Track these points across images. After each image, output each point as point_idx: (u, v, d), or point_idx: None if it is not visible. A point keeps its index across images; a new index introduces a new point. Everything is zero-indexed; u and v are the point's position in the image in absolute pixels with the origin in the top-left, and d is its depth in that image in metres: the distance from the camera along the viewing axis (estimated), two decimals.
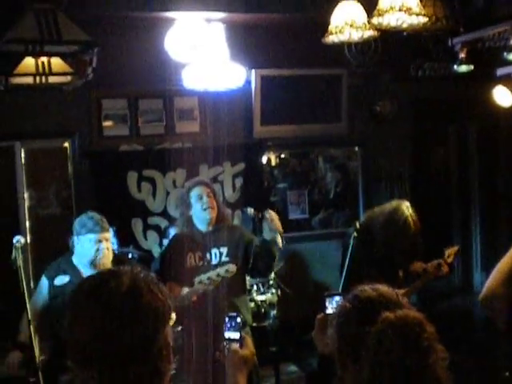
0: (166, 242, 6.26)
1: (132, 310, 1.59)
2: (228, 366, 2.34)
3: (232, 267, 4.36)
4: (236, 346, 2.34)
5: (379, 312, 1.90)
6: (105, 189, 6.50)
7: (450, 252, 5.15)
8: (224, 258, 4.70)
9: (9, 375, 4.22)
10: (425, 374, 1.79)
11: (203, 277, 4.40)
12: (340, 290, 4.64)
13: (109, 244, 4.36)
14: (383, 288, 2.06)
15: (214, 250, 4.72)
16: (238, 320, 2.38)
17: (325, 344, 2.39)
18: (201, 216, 4.74)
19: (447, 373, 1.84)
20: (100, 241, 4.29)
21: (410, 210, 4.94)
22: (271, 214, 4.52)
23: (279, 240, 4.53)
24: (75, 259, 4.40)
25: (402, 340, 1.80)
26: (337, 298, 2.38)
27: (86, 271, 4.31)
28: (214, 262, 4.70)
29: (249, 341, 2.42)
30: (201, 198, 4.73)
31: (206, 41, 5.35)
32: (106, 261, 4.33)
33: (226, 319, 2.41)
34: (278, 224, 4.51)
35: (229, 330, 2.38)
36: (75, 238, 4.36)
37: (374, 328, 1.85)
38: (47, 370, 3.95)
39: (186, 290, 4.54)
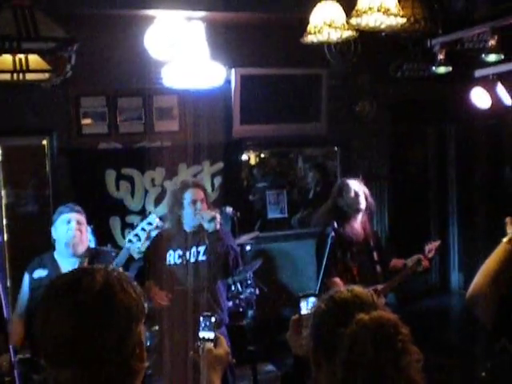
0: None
1: (105, 308, 1.57)
2: (203, 366, 2.34)
3: (153, 218, 4.39)
4: (210, 345, 2.34)
5: (354, 313, 1.89)
6: (83, 187, 6.46)
7: (431, 247, 5.18)
8: (201, 257, 4.74)
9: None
10: (399, 375, 1.79)
11: (130, 236, 4.43)
12: (317, 289, 4.68)
13: (82, 228, 4.36)
14: (358, 289, 2.06)
15: (193, 249, 4.75)
16: (213, 319, 2.38)
17: (299, 345, 2.39)
18: (191, 220, 4.74)
19: (421, 374, 1.85)
20: (70, 221, 4.30)
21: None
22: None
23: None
24: (56, 253, 4.40)
25: (376, 341, 1.79)
26: (311, 299, 2.37)
27: (65, 263, 4.31)
28: (192, 260, 4.73)
29: (223, 340, 2.41)
30: (194, 203, 4.72)
31: (186, 39, 5.35)
32: (80, 243, 4.32)
33: (201, 319, 2.41)
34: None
35: (203, 329, 2.38)
36: (53, 227, 4.37)
37: (348, 329, 1.85)
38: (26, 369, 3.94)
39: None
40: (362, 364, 1.78)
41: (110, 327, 1.57)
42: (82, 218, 4.43)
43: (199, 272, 4.72)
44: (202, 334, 2.37)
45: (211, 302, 4.72)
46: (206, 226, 4.61)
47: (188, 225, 4.79)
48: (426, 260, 5.12)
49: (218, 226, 4.57)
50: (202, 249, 4.75)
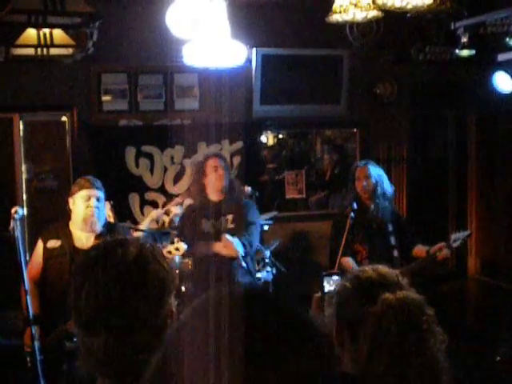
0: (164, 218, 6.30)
1: (139, 278, 1.59)
2: None
3: (182, 245, 4.53)
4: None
5: (379, 293, 1.90)
6: (103, 163, 6.50)
7: (456, 237, 5.08)
8: (230, 225, 4.97)
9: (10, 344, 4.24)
10: (423, 355, 1.80)
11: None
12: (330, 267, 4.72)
13: (100, 205, 4.36)
14: (383, 269, 2.06)
15: (222, 218, 4.97)
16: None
17: (322, 323, 2.39)
18: (214, 184, 4.98)
19: (445, 355, 1.85)
20: (90, 198, 4.30)
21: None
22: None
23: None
24: (71, 224, 4.41)
25: (401, 321, 1.80)
26: (334, 278, 2.37)
27: (78, 238, 4.32)
28: (222, 228, 4.95)
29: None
30: (216, 169, 4.97)
31: (208, 18, 5.32)
32: (97, 221, 4.33)
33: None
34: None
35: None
36: (70, 199, 4.38)
37: (373, 309, 1.85)
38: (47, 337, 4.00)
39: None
40: (386, 343, 1.79)
41: (144, 297, 1.59)
42: (102, 195, 4.43)
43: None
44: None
45: (240, 266, 4.90)
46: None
47: (212, 192, 5.01)
48: (449, 249, 5.03)
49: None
50: (229, 217, 4.99)
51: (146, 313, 1.59)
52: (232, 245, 4.75)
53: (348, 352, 1.96)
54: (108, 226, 4.53)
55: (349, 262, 4.95)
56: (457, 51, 5.94)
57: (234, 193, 5.14)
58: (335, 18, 4.27)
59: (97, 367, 1.61)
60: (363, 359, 1.84)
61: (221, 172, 4.97)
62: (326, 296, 2.33)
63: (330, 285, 2.35)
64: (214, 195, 5.03)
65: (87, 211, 4.29)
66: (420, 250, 5.19)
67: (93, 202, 4.31)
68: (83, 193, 4.33)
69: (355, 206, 4.95)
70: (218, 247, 4.82)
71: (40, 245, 4.43)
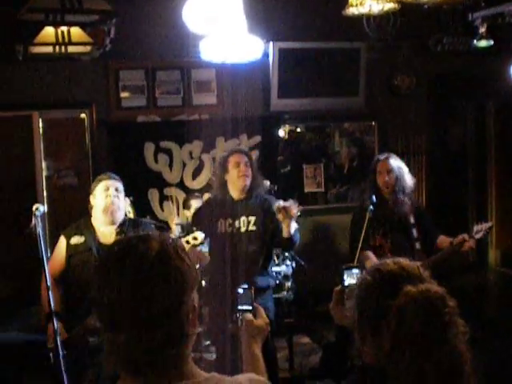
0: (185, 212, 6.32)
1: (161, 273, 1.60)
2: (243, 336, 2.36)
3: (200, 235, 4.44)
4: (250, 316, 2.35)
5: (401, 286, 1.90)
6: (122, 159, 6.54)
7: (480, 228, 5.05)
8: (251, 227, 4.82)
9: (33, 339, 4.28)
10: (446, 348, 1.80)
11: None
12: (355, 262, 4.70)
13: (119, 195, 4.41)
14: (405, 261, 2.05)
15: (243, 218, 4.82)
16: (251, 292, 2.38)
17: (342, 316, 2.40)
18: (236, 182, 4.84)
19: (467, 347, 1.85)
20: (108, 188, 4.36)
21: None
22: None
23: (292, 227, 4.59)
24: (93, 220, 4.46)
25: (424, 314, 1.80)
26: (355, 271, 2.36)
27: (103, 230, 4.37)
28: (242, 229, 4.82)
29: (262, 311, 2.42)
30: (238, 165, 4.82)
31: (224, 12, 5.32)
32: (117, 210, 4.37)
33: (239, 291, 2.41)
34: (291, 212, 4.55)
35: (242, 302, 2.38)
36: (91, 196, 4.43)
37: (395, 302, 1.86)
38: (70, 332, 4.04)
39: None
40: (409, 336, 1.79)
41: (167, 292, 1.60)
42: (120, 186, 4.48)
43: (249, 241, 4.81)
44: (240, 307, 2.37)
45: (258, 269, 4.82)
46: (280, 217, 4.54)
47: (234, 190, 4.86)
48: (472, 240, 5.00)
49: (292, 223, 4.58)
50: (252, 219, 4.82)
51: (169, 308, 1.60)
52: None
53: (370, 345, 1.97)
54: (129, 221, 4.58)
55: (369, 255, 4.95)
56: (475, 42, 5.90)
57: (259, 191, 4.94)
58: (351, 10, 4.27)
59: (121, 363, 1.62)
60: (385, 352, 1.85)
61: (243, 169, 4.80)
62: (346, 289, 2.32)
63: (350, 278, 2.35)
64: (235, 193, 4.87)
65: (107, 200, 4.35)
66: (443, 240, 5.17)
67: (111, 191, 4.38)
68: (101, 184, 4.40)
69: (374, 199, 4.95)
70: None
71: (63, 241, 4.47)
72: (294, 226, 4.61)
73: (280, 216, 4.50)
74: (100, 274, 1.64)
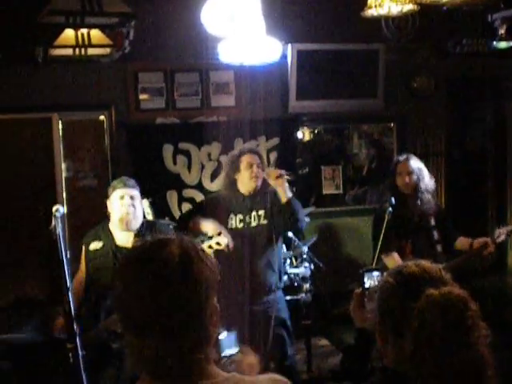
0: None
1: (184, 278, 1.60)
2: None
3: (223, 240, 4.47)
4: (238, 357, 2.29)
5: (423, 288, 1.89)
6: (141, 161, 6.57)
7: (502, 231, 5.01)
8: (262, 221, 4.88)
9: (51, 339, 4.31)
10: (468, 351, 1.79)
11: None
12: (374, 264, 4.69)
13: (135, 202, 4.41)
14: (426, 264, 2.04)
15: (253, 213, 4.88)
16: (233, 337, 2.32)
17: (363, 318, 2.39)
18: (247, 183, 4.88)
19: (490, 350, 1.84)
20: (123, 197, 4.36)
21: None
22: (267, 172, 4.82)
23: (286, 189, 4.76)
24: (110, 224, 4.48)
25: (446, 318, 1.79)
26: (375, 273, 2.35)
27: (119, 236, 4.39)
28: (254, 224, 4.88)
29: (248, 349, 2.37)
30: (251, 166, 4.85)
31: (243, 14, 5.33)
32: (133, 219, 4.38)
33: (220, 338, 2.35)
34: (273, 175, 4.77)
35: (225, 347, 2.31)
36: (108, 201, 4.45)
37: (417, 304, 1.85)
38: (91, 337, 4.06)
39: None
40: (430, 339, 1.79)
41: (190, 296, 1.60)
42: (136, 193, 4.47)
43: (260, 236, 4.87)
44: (225, 353, 2.29)
45: (269, 264, 4.88)
46: (272, 183, 4.79)
47: (244, 189, 4.90)
48: (493, 244, 4.97)
49: (285, 184, 4.76)
50: (262, 212, 4.89)
51: (193, 311, 1.60)
52: None
53: (391, 347, 1.97)
54: (147, 223, 4.59)
55: (394, 256, 4.92)
56: (494, 43, 5.87)
57: (267, 187, 4.97)
58: (370, 12, 4.26)
59: (144, 366, 1.63)
60: (407, 354, 1.84)
61: (255, 170, 4.84)
62: (366, 292, 2.30)
63: (370, 280, 2.33)
64: (244, 191, 4.92)
65: (122, 210, 4.36)
66: (463, 242, 5.14)
67: (126, 200, 4.38)
68: (117, 193, 4.40)
69: (393, 200, 4.93)
70: None
71: (83, 249, 4.52)
72: (287, 190, 4.77)
73: (270, 180, 4.74)
74: (122, 280, 1.64)
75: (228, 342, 2.25)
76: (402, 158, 5.31)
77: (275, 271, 4.95)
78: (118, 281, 1.65)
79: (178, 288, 1.59)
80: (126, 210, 4.36)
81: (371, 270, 2.33)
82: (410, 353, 1.83)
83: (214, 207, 4.92)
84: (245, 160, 4.88)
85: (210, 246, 4.47)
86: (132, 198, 4.41)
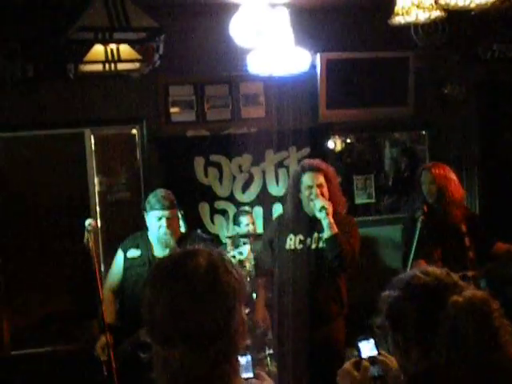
0: (235, 228, 6.33)
1: (211, 288, 1.61)
2: None
3: (245, 249, 4.43)
4: (254, 381, 2.24)
5: (444, 296, 1.89)
6: (172, 174, 6.60)
7: None
8: (321, 244, 4.60)
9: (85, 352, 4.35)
10: (499, 351, 1.78)
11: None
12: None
13: (171, 222, 4.42)
14: (434, 270, 2.02)
15: (315, 235, 4.62)
16: (249, 359, 2.28)
17: None
18: (307, 204, 4.64)
19: None
20: (160, 218, 4.38)
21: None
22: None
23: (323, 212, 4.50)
24: (150, 235, 4.51)
25: (476, 322, 1.79)
26: (371, 340, 2.22)
27: (157, 248, 4.43)
28: (313, 246, 4.64)
29: (264, 375, 2.32)
30: (310, 187, 4.59)
31: (271, 26, 5.35)
32: (171, 238, 4.40)
33: (240, 360, 2.29)
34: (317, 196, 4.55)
35: (244, 371, 2.26)
36: (145, 214, 4.48)
37: (444, 312, 1.84)
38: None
39: None
40: (464, 344, 1.77)
41: (218, 308, 1.61)
42: (173, 212, 4.47)
43: (320, 259, 4.60)
44: (243, 376, 2.24)
45: (330, 292, 4.66)
46: (317, 214, 4.51)
47: (307, 209, 4.67)
48: None
49: (328, 219, 4.45)
50: (323, 235, 4.57)
51: (221, 323, 1.61)
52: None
53: (417, 361, 1.95)
54: (183, 236, 4.61)
55: (420, 263, 4.86)
56: None
57: (340, 209, 4.72)
58: (398, 19, 4.24)
59: (173, 379, 1.63)
60: (440, 363, 1.82)
61: (314, 190, 4.55)
62: (363, 361, 2.17)
63: (367, 349, 2.19)
64: (309, 210, 4.65)
65: (160, 231, 4.38)
66: (502, 247, 5.09)
67: (164, 222, 4.39)
68: (154, 214, 4.41)
69: (425, 208, 4.89)
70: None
71: (120, 254, 4.56)
72: (333, 226, 4.48)
73: (316, 210, 4.48)
74: (150, 291, 1.66)
75: (245, 366, 2.22)
76: (426, 166, 5.29)
77: (336, 299, 4.70)
78: (147, 290, 1.67)
79: (204, 298, 1.60)
80: (164, 230, 4.39)
81: (366, 338, 2.21)
82: (445, 360, 1.81)
83: (278, 228, 4.76)
84: (304, 180, 4.64)
85: (234, 256, 4.46)
86: (169, 218, 4.42)
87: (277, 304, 4.73)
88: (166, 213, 4.41)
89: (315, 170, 4.69)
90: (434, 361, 1.85)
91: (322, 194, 4.58)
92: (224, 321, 1.62)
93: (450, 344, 1.80)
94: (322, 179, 4.64)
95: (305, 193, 4.61)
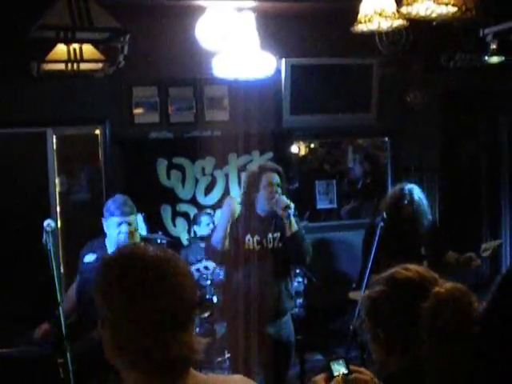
0: (195, 228, 6.34)
1: (169, 276, 1.63)
2: None
3: (211, 264, 4.47)
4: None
5: (426, 288, 1.94)
6: (135, 175, 6.57)
7: (487, 247, 5.05)
8: (277, 244, 4.77)
9: (38, 353, 4.31)
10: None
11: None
12: (360, 279, 4.69)
13: (132, 228, 4.40)
14: (414, 267, 2.10)
15: (270, 235, 4.76)
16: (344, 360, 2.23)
17: None
18: (264, 203, 4.74)
19: None
20: (120, 224, 4.35)
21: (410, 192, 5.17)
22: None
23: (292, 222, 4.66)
24: (107, 241, 4.48)
25: (458, 311, 1.84)
26: (341, 361, 2.21)
27: None
28: (270, 246, 4.77)
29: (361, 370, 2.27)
30: (271, 185, 4.71)
31: (237, 30, 5.36)
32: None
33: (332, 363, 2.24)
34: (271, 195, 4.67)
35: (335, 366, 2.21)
36: (103, 220, 4.45)
37: (426, 304, 1.88)
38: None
39: None
40: (447, 334, 1.81)
41: (189, 292, 1.65)
42: (133, 218, 4.45)
43: (277, 258, 4.76)
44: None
45: (285, 289, 4.83)
46: (279, 212, 4.66)
47: (261, 209, 4.78)
48: (479, 259, 5.00)
49: (291, 216, 4.64)
50: (277, 235, 4.76)
51: (177, 308, 1.63)
52: None
53: (400, 353, 1.98)
54: (144, 240, 4.59)
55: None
56: (486, 58, 5.90)
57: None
58: (360, 27, 4.27)
59: (133, 363, 1.63)
60: (423, 354, 1.86)
61: (273, 190, 4.69)
62: (335, 378, 2.14)
63: (338, 367, 2.17)
64: (261, 211, 4.78)
65: (119, 237, 4.35)
66: (451, 257, 5.17)
67: (124, 228, 4.36)
68: (113, 220, 4.38)
69: (385, 215, 4.92)
70: None
71: (80, 261, 4.54)
72: (294, 223, 4.67)
73: (278, 209, 4.62)
74: (106, 277, 1.66)
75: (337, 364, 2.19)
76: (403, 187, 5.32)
77: (291, 296, 4.93)
78: (103, 279, 1.67)
79: (163, 284, 1.62)
80: (124, 237, 4.36)
81: (338, 359, 2.20)
82: (428, 350, 1.85)
83: (233, 228, 4.77)
84: (264, 179, 4.73)
85: (198, 270, 4.47)
86: (130, 224, 4.39)
87: (232, 302, 4.80)
88: (126, 219, 4.38)
89: (274, 170, 4.83)
90: (415, 355, 1.88)
91: (277, 195, 4.72)
92: (191, 310, 1.66)
93: (431, 333, 1.84)
94: (279, 180, 4.77)
95: (264, 192, 4.71)
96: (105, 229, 4.47)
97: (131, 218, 4.41)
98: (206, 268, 4.52)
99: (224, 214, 4.69)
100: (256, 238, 4.74)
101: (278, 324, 4.82)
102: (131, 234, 4.37)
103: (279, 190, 4.73)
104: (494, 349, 1.77)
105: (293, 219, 4.68)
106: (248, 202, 4.79)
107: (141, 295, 1.60)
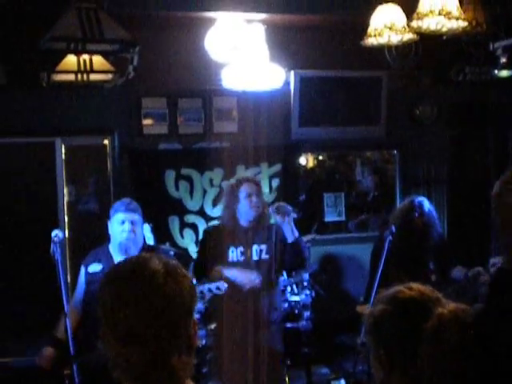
0: None
1: (167, 290, 1.65)
2: None
3: (223, 285, 4.46)
4: None
5: (429, 309, 1.93)
6: (143, 186, 6.57)
7: (496, 261, 5.00)
8: (264, 256, 4.82)
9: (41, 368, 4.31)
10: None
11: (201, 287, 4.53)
12: (368, 293, 4.67)
13: (136, 228, 4.40)
14: (416, 286, 2.09)
15: (255, 247, 4.81)
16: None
17: None
18: (247, 213, 4.82)
19: None
20: (124, 221, 4.35)
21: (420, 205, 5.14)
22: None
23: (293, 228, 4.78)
24: (111, 247, 4.48)
25: (462, 332, 1.83)
26: (342, 381, 2.28)
27: (119, 259, 4.38)
28: (255, 258, 4.82)
29: None
30: (250, 195, 4.79)
31: (246, 41, 5.37)
32: (132, 246, 4.37)
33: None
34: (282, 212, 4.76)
35: None
36: (109, 222, 4.45)
37: (428, 324, 1.87)
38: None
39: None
40: (451, 355, 1.81)
41: (180, 304, 1.66)
42: (137, 217, 4.45)
43: (261, 270, 4.80)
44: None
45: (270, 301, 4.85)
46: (278, 219, 4.79)
47: (244, 219, 4.84)
48: (487, 273, 4.97)
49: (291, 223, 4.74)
50: (264, 247, 4.82)
51: (182, 320, 1.66)
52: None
53: (400, 373, 1.96)
54: (148, 248, 4.58)
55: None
56: (496, 72, 5.89)
57: (266, 220, 4.97)
58: (370, 41, 4.29)
59: (130, 377, 1.65)
60: (425, 375, 1.84)
61: (255, 199, 4.80)
62: None
63: None
64: (244, 222, 4.86)
65: (122, 235, 4.35)
66: (459, 271, 5.14)
67: (127, 225, 4.36)
68: (118, 216, 4.40)
69: (394, 228, 4.90)
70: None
71: (82, 271, 4.52)
72: (294, 229, 4.78)
73: (278, 216, 4.72)
74: (112, 291, 1.70)
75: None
76: (416, 200, 5.29)
77: (276, 308, 4.97)
78: (107, 290, 1.72)
79: (160, 298, 1.64)
80: (126, 235, 4.36)
81: (338, 379, 2.26)
82: (430, 372, 1.83)
83: (215, 240, 4.83)
84: (243, 190, 4.83)
85: (210, 290, 4.45)
86: (133, 223, 4.40)
87: (221, 314, 4.83)
88: (130, 215, 4.39)
89: (251, 181, 4.97)
90: (415, 376, 1.87)
91: (259, 204, 4.81)
92: (185, 318, 1.67)
93: (434, 355, 1.82)
94: (258, 190, 4.90)
95: (244, 202, 4.79)
96: (109, 230, 4.47)
97: (135, 217, 4.42)
98: (218, 288, 4.49)
99: (238, 279, 4.72)
100: (240, 249, 4.81)
101: (263, 335, 4.82)
102: (134, 233, 4.37)
103: (260, 201, 4.82)
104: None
105: (292, 226, 4.80)
106: (230, 213, 4.86)
107: (123, 312, 1.63)
